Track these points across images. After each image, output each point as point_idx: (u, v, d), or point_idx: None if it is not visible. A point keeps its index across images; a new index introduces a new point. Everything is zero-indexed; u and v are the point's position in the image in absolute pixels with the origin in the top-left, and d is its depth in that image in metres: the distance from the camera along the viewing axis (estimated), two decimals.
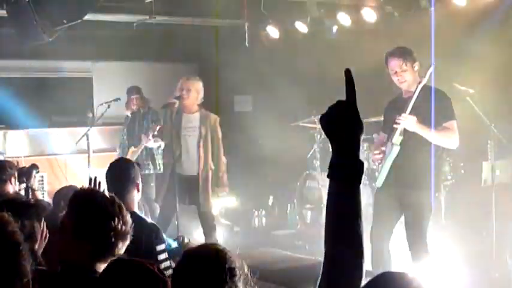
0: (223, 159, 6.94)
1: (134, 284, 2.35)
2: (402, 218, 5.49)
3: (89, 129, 8.30)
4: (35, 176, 5.55)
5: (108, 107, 8.32)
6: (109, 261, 2.76)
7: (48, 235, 3.70)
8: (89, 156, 8.25)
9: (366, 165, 8.02)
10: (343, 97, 1.96)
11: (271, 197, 9.57)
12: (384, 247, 5.37)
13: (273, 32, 9.67)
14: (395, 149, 5.11)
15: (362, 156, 8.12)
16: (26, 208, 4.40)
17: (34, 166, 5.65)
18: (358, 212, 1.85)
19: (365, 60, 7.45)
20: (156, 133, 7.84)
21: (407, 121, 5.02)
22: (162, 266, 3.68)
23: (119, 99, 8.32)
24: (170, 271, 2.57)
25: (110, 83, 9.98)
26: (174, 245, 4.39)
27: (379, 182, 5.28)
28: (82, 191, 3.10)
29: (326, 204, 1.86)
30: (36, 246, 3.64)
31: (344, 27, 8.73)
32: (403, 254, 6.43)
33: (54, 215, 4.24)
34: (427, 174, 5.15)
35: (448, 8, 7.65)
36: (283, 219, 9.03)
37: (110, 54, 10.12)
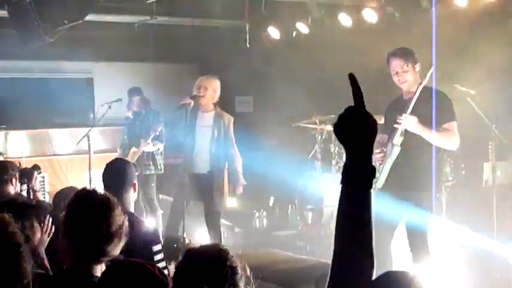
0: (239, 163, 6.95)
1: (136, 286, 2.34)
2: (403, 219, 5.48)
3: (90, 130, 8.31)
4: (36, 177, 5.54)
5: (109, 107, 8.33)
6: (104, 263, 2.76)
7: (52, 233, 3.71)
8: (90, 157, 8.25)
9: None
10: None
11: (272, 198, 9.57)
12: (385, 248, 5.36)
13: (274, 32, 9.68)
14: (396, 150, 5.10)
15: None
16: (26, 209, 4.41)
17: (36, 167, 5.64)
18: (369, 216, 1.88)
19: (366, 60, 7.46)
20: (157, 133, 7.85)
21: (408, 121, 5.01)
22: (159, 266, 3.68)
23: (120, 99, 8.32)
24: (166, 272, 2.56)
25: (111, 84, 9.98)
26: None
27: (380, 183, 5.27)
28: (79, 192, 3.09)
29: (338, 208, 1.86)
30: (38, 247, 3.64)
31: (345, 27, 8.73)
32: (404, 255, 6.43)
33: (54, 216, 4.24)
34: (428, 175, 5.14)
35: (449, 8, 7.65)
36: (284, 220, 9.03)
37: (111, 55, 10.13)
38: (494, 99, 6.71)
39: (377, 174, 5.55)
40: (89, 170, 8.17)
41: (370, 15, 8.31)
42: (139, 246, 3.74)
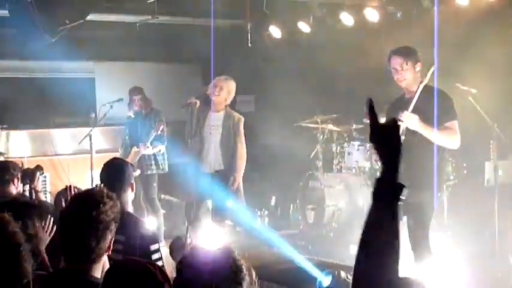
0: (241, 162, 6.94)
1: (137, 286, 2.35)
2: (405, 219, 5.48)
3: (91, 130, 8.30)
4: (38, 178, 5.55)
5: (111, 107, 8.32)
6: (102, 262, 2.76)
7: (53, 232, 3.71)
8: (91, 157, 8.24)
9: (368, 165, 8.08)
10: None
11: (273, 197, 9.57)
12: None
13: (275, 32, 9.68)
14: None
15: (365, 156, 8.15)
16: (28, 208, 4.41)
17: (38, 168, 5.65)
18: (398, 229, 1.89)
19: (367, 60, 7.46)
20: (159, 133, 7.84)
21: (409, 119, 5.00)
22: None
23: (122, 99, 8.31)
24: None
25: (112, 84, 9.99)
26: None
27: None
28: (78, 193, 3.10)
29: (366, 220, 1.87)
30: (39, 246, 3.65)
31: (347, 27, 8.73)
32: (405, 255, 6.43)
33: (55, 216, 4.24)
34: (429, 175, 5.14)
35: (450, 7, 7.65)
36: (286, 219, 9.03)
37: (112, 55, 10.13)
38: (495, 98, 6.70)
39: (378, 174, 5.55)
40: (91, 169, 8.17)
41: (372, 15, 8.31)
42: (137, 245, 3.75)
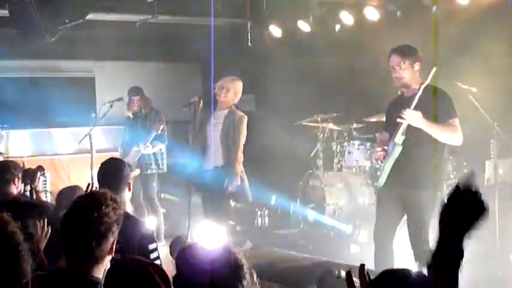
0: (234, 158, 6.94)
1: (137, 285, 2.35)
2: (405, 218, 5.48)
3: (91, 129, 8.30)
4: (39, 178, 5.55)
5: (111, 106, 8.31)
6: (105, 264, 2.76)
7: (49, 233, 3.72)
8: (91, 156, 8.24)
9: (368, 164, 8.08)
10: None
11: (274, 196, 9.57)
12: (387, 246, 5.35)
13: (275, 31, 9.68)
14: (398, 149, 5.10)
15: (365, 155, 8.12)
16: (28, 208, 4.41)
17: (40, 168, 5.65)
18: None
19: (367, 59, 7.46)
20: (159, 132, 7.84)
21: (412, 117, 4.98)
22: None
23: (122, 99, 8.31)
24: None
25: (112, 83, 9.99)
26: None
27: (381, 182, 5.26)
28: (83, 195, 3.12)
29: None
30: (38, 246, 3.65)
31: (347, 26, 8.73)
32: (406, 254, 6.43)
33: (56, 216, 4.25)
34: (429, 174, 5.14)
35: (450, 6, 7.64)
36: (286, 218, 9.02)
37: (112, 54, 10.13)
38: (496, 97, 6.70)
39: (378, 173, 5.54)
40: (91, 169, 8.16)
41: (372, 13, 8.30)
42: (135, 245, 3.76)
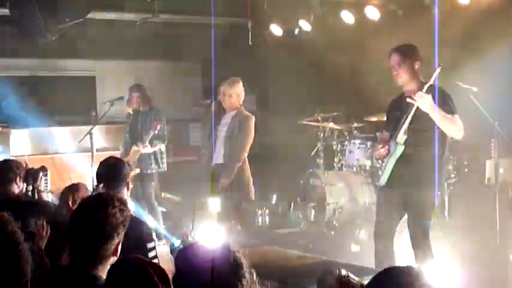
0: (237, 157, 7.02)
1: (138, 285, 2.35)
2: (405, 217, 5.48)
3: (92, 128, 8.29)
4: (41, 178, 5.55)
5: (112, 105, 8.31)
6: (108, 264, 2.77)
7: (48, 232, 3.72)
8: (92, 155, 8.24)
9: (369, 163, 8.08)
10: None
11: (274, 196, 9.57)
12: (388, 246, 5.35)
13: (276, 30, 9.67)
14: (399, 148, 5.09)
15: (365, 154, 8.13)
16: (29, 207, 4.42)
17: (42, 168, 5.64)
18: None
19: (368, 58, 7.46)
20: (156, 132, 7.85)
21: (422, 100, 4.95)
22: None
23: (122, 97, 8.30)
24: None
25: (112, 82, 9.99)
26: (177, 243, 4.38)
27: (382, 181, 5.26)
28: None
29: None
30: (39, 245, 3.66)
31: (348, 25, 8.72)
32: (406, 253, 6.43)
33: (59, 214, 4.26)
34: (430, 174, 5.13)
35: (451, 5, 7.64)
36: (287, 217, 9.03)
37: (113, 53, 10.13)
38: (496, 96, 6.70)
39: (380, 172, 5.54)
40: (92, 168, 8.16)
41: (373, 13, 8.30)
42: (133, 243, 3.77)
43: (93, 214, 2.86)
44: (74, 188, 4.60)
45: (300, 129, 8.88)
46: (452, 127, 5.05)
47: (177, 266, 2.38)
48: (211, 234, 7.52)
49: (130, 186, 4.34)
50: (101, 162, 4.35)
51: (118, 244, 2.91)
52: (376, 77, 7.42)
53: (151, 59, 10.64)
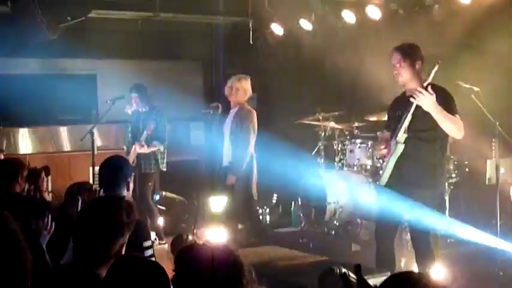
0: (242, 154, 7.16)
1: (140, 282, 2.36)
2: (406, 217, 5.49)
3: (93, 127, 8.28)
4: (43, 178, 5.55)
5: (113, 104, 8.29)
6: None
7: (51, 231, 3.73)
8: (93, 154, 8.23)
9: (369, 163, 8.08)
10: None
11: (275, 195, 9.57)
12: (388, 246, 5.35)
13: (277, 29, 9.67)
14: (400, 147, 5.09)
15: (366, 154, 8.15)
16: (31, 205, 4.43)
17: (45, 168, 5.65)
18: None
19: (369, 57, 7.45)
20: (150, 132, 7.86)
21: (425, 98, 4.93)
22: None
23: (123, 96, 8.29)
24: None
25: (113, 81, 9.98)
26: None
27: (383, 181, 5.26)
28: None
29: None
30: (40, 243, 3.67)
31: (349, 24, 8.72)
32: (406, 253, 6.43)
33: (63, 212, 4.26)
34: (431, 173, 5.13)
35: (452, 5, 7.63)
36: (287, 217, 9.03)
37: (114, 52, 10.12)
38: (498, 96, 6.69)
39: (380, 172, 5.53)
40: (92, 167, 8.15)
41: (374, 12, 8.29)
42: (129, 242, 3.78)
43: (102, 214, 2.92)
44: (77, 187, 4.62)
45: (301, 129, 8.88)
46: (453, 127, 5.04)
47: (177, 266, 2.38)
48: (212, 234, 7.54)
49: (131, 186, 4.35)
50: (103, 161, 4.37)
51: (122, 245, 2.95)
52: (377, 76, 7.41)
53: (152, 57, 10.64)
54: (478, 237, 6.65)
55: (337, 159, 8.57)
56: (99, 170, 4.33)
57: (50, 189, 8.42)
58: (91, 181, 7.98)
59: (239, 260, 2.34)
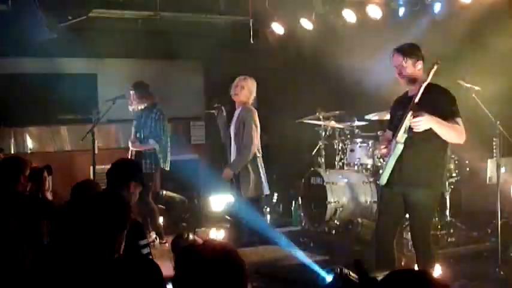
0: (244, 152, 7.13)
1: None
2: (407, 216, 5.48)
3: (94, 126, 8.28)
4: (46, 177, 5.55)
5: (113, 103, 8.28)
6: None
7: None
8: (93, 154, 8.23)
9: (370, 162, 8.08)
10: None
11: (275, 194, 9.58)
12: (388, 245, 5.34)
13: (278, 28, 9.67)
14: (399, 147, 5.08)
15: (367, 153, 8.15)
16: (33, 205, 4.43)
17: (47, 167, 5.65)
18: None
19: (370, 57, 7.45)
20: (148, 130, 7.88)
21: (422, 123, 4.93)
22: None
23: (124, 96, 8.28)
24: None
25: (114, 80, 9.98)
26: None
27: (383, 180, 5.25)
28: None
29: None
30: (42, 241, 3.68)
31: (349, 23, 8.72)
32: (407, 251, 6.43)
33: (67, 211, 4.26)
34: (431, 173, 5.12)
35: (453, 4, 7.63)
36: (288, 216, 9.03)
37: (114, 51, 10.12)
38: (499, 95, 6.69)
39: (381, 171, 5.53)
40: (93, 166, 8.16)
41: (375, 11, 8.29)
42: (125, 241, 3.82)
43: (101, 212, 2.95)
44: (82, 185, 4.67)
45: (302, 128, 8.88)
46: (452, 134, 5.03)
47: (178, 265, 2.38)
48: (213, 233, 7.55)
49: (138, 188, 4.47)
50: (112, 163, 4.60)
51: (120, 244, 2.97)
52: (378, 76, 7.41)
53: (153, 57, 10.64)
54: (478, 237, 6.65)
55: (337, 158, 8.58)
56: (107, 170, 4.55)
57: (50, 188, 8.44)
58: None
59: (239, 259, 2.34)
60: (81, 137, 8.36)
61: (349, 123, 8.47)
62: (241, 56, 9.64)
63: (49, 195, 5.55)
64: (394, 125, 5.31)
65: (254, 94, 7.37)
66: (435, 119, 4.93)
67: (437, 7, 7.79)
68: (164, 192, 8.89)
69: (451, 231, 7.23)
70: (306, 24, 9.17)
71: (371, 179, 7.99)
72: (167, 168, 8.06)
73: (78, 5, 8.00)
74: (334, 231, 7.91)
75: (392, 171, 5.16)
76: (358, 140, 8.28)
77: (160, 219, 8.03)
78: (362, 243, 7.22)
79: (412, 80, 5.17)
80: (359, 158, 8.22)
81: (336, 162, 8.57)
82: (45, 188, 5.52)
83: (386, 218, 5.35)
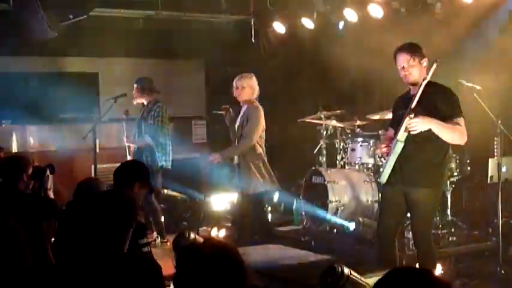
0: (245, 139, 7.14)
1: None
2: (408, 215, 5.49)
3: (95, 125, 8.29)
4: (48, 176, 5.56)
5: (115, 102, 8.29)
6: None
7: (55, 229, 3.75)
8: (95, 153, 8.23)
9: (371, 161, 8.08)
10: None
11: (277, 193, 9.57)
12: (390, 244, 5.35)
13: (279, 27, 9.67)
14: (400, 146, 5.07)
15: (368, 152, 8.14)
16: (35, 204, 4.43)
17: (50, 166, 5.65)
18: None
19: (371, 56, 7.45)
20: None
21: (419, 125, 4.93)
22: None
23: (125, 94, 8.28)
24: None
25: (115, 79, 9.99)
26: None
27: (383, 178, 5.25)
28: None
29: None
30: (44, 242, 3.68)
31: (351, 23, 8.72)
32: (408, 251, 6.43)
33: (70, 210, 4.28)
34: (432, 172, 5.12)
35: (454, 3, 7.63)
36: (289, 215, 9.03)
37: (115, 50, 10.12)
38: (500, 94, 6.69)
39: (381, 170, 5.53)
40: (94, 165, 8.16)
41: (376, 10, 8.29)
42: None
43: (101, 212, 2.98)
44: (86, 183, 4.69)
45: (303, 127, 8.88)
46: (452, 135, 5.01)
47: (178, 265, 2.38)
48: (213, 232, 7.55)
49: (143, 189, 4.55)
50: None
51: (125, 243, 3.00)
52: (379, 75, 7.41)
53: (154, 56, 10.64)
54: (479, 236, 6.65)
55: (338, 157, 8.58)
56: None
57: (51, 187, 8.44)
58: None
59: (239, 258, 2.34)
60: (83, 136, 8.36)
61: (350, 123, 8.47)
62: (242, 55, 9.64)
63: (51, 194, 5.56)
64: (396, 123, 5.31)
65: (256, 88, 7.36)
66: (434, 120, 4.92)
67: (438, 6, 7.78)
68: (166, 191, 8.89)
69: (452, 230, 7.23)
70: (308, 23, 9.17)
71: (372, 178, 7.99)
72: (169, 167, 8.06)
73: (79, 4, 7.99)
74: (335, 230, 7.92)
75: (393, 169, 5.16)
76: (359, 139, 8.28)
77: (162, 218, 8.03)
78: (363, 243, 7.22)
79: (419, 79, 5.13)
80: (360, 157, 8.22)
81: (337, 162, 8.57)
82: (48, 186, 5.53)
83: (388, 217, 5.34)
